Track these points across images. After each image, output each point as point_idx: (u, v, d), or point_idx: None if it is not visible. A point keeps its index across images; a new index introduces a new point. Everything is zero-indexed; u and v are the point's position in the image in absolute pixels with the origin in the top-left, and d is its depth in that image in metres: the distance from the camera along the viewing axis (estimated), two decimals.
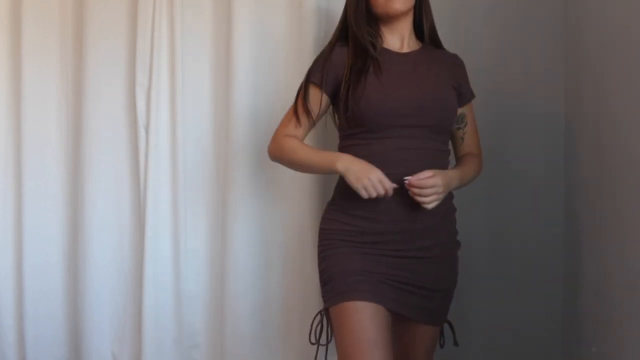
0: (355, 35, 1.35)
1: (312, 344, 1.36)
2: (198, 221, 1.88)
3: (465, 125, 1.43)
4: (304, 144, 1.40)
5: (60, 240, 1.99)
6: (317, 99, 1.36)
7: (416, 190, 1.22)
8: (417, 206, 1.25)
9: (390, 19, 1.34)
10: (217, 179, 1.86)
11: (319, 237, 1.39)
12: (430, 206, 1.24)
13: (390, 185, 1.23)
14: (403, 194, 1.25)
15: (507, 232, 1.77)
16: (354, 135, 1.33)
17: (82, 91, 1.92)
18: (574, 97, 1.62)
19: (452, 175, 1.31)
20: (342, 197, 1.35)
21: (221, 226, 1.84)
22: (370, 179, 1.22)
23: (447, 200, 1.35)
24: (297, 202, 1.75)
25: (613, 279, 1.27)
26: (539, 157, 1.75)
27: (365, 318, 1.22)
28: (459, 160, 1.46)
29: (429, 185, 1.22)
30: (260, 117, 1.79)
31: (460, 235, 1.80)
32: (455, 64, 1.43)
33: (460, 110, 1.39)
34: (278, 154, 1.41)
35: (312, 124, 1.40)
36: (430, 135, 1.31)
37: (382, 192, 1.22)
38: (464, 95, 1.41)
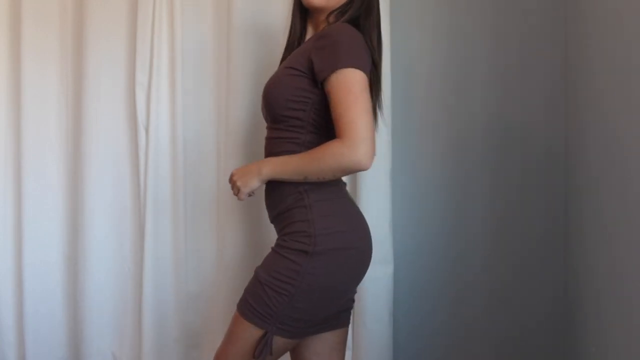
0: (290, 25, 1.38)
1: None
2: (198, 221, 1.88)
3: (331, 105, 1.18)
4: None
5: (60, 240, 1.99)
6: None
7: None
8: (267, 196, 1.30)
9: (312, 10, 1.30)
10: (217, 178, 1.86)
11: None
12: (239, 197, 1.27)
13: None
14: (267, 185, 1.29)
15: (507, 232, 1.78)
16: None
17: (82, 91, 1.92)
18: (574, 98, 1.63)
19: (260, 164, 1.24)
20: None
21: (221, 226, 1.84)
22: None
23: (286, 194, 1.24)
24: None
25: (613, 279, 1.27)
26: (540, 157, 1.75)
27: None
28: None
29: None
30: (260, 117, 1.78)
31: (461, 234, 1.81)
32: (316, 38, 1.21)
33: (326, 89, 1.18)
34: None
35: None
36: (272, 125, 1.29)
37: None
38: (319, 73, 1.17)
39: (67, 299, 1.99)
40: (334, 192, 1.25)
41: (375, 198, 1.69)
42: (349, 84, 1.13)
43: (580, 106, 1.56)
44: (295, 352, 1.33)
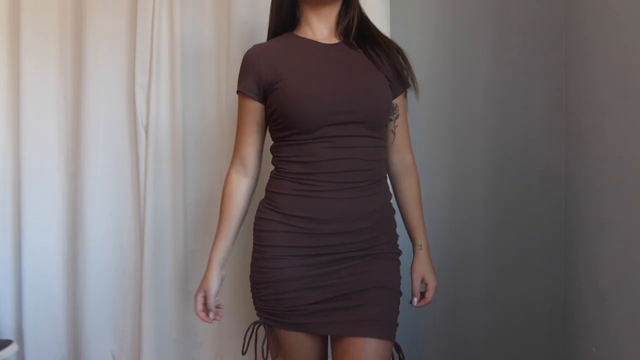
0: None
1: (243, 354, 1.33)
2: (198, 221, 1.88)
3: (397, 118, 1.32)
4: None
5: (60, 241, 1.99)
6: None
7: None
8: (356, 204, 1.21)
9: (319, 4, 1.26)
10: (218, 179, 1.86)
11: (255, 239, 1.29)
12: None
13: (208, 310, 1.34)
14: (341, 191, 1.20)
15: (507, 234, 1.77)
16: (285, 137, 1.23)
17: (82, 91, 1.92)
18: (575, 98, 1.63)
19: (426, 247, 1.43)
20: (278, 197, 1.25)
21: None
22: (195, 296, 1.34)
23: (386, 200, 1.31)
24: None
25: (613, 280, 1.27)
26: (539, 157, 1.75)
27: (301, 347, 1.26)
28: (398, 179, 1.38)
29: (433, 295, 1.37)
30: None
31: (461, 234, 1.81)
32: (392, 52, 1.31)
33: (393, 101, 1.30)
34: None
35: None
36: (365, 132, 1.22)
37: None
38: (399, 85, 1.31)
39: (67, 299, 1.99)
40: None
41: None
42: None
43: (581, 110, 1.56)
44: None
